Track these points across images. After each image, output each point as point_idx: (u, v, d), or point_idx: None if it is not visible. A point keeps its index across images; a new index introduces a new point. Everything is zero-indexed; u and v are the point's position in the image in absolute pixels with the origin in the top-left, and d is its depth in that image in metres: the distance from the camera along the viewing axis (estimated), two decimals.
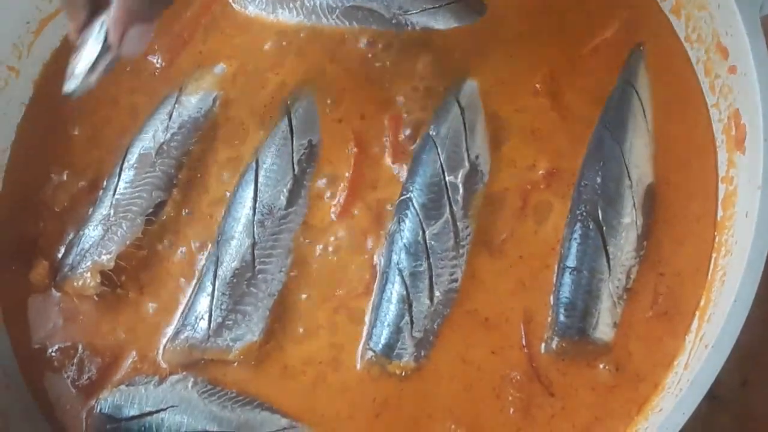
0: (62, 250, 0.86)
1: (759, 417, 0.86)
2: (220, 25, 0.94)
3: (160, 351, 0.81)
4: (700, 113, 0.81)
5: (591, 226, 0.77)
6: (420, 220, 0.79)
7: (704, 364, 0.65)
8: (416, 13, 0.88)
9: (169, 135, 0.87)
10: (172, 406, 0.78)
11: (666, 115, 0.81)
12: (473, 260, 0.79)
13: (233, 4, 0.94)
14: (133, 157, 0.87)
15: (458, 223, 0.79)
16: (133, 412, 0.78)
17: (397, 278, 0.78)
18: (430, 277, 0.78)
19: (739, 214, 0.72)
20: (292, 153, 0.85)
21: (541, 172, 0.81)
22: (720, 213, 0.77)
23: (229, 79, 0.91)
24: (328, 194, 0.84)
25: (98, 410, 0.79)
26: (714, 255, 0.76)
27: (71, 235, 0.87)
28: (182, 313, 0.82)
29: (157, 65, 0.92)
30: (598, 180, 0.78)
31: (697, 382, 0.64)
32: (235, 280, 0.80)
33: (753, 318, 0.84)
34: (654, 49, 0.84)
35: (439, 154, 0.81)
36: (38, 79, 0.94)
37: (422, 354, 0.77)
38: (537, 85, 0.83)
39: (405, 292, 0.78)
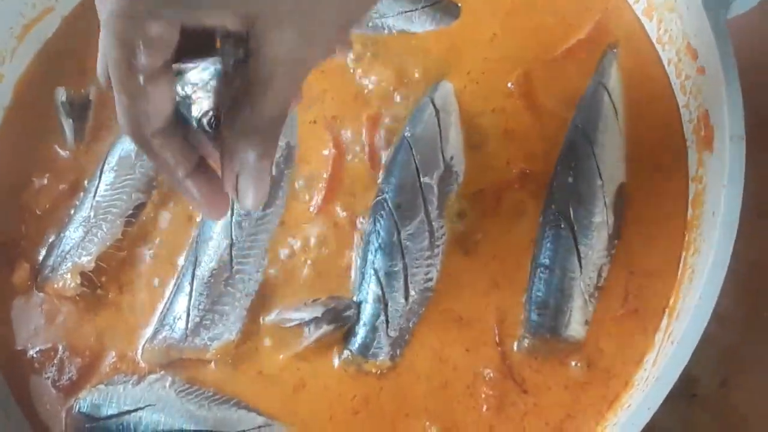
0: (44, 252, 0.87)
1: (739, 416, 0.87)
2: None
3: (139, 351, 0.82)
4: (672, 114, 0.82)
5: (563, 226, 0.78)
6: (395, 220, 0.80)
7: (670, 360, 0.65)
8: (393, 16, 0.89)
9: None
10: (150, 405, 0.78)
11: (638, 116, 0.82)
12: (448, 260, 0.80)
13: None
14: (113, 160, 0.88)
15: (433, 223, 0.80)
16: (111, 411, 0.79)
17: (373, 278, 0.79)
18: (405, 277, 0.79)
19: (707, 213, 0.73)
20: None
21: (515, 172, 0.82)
22: (690, 212, 0.77)
23: None
24: (305, 195, 0.85)
25: (77, 409, 0.80)
26: (684, 254, 0.76)
27: (52, 237, 0.87)
28: (161, 313, 0.83)
29: None
30: (570, 180, 0.79)
31: (663, 378, 0.65)
32: (212, 280, 0.81)
33: (733, 317, 0.85)
34: (627, 51, 0.85)
35: (414, 156, 0.82)
36: (20, 84, 0.95)
37: (398, 353, 0.78)
38: (510, 85, 0.84)
39: (380, 292, 0.79)
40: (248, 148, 0.53)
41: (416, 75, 0.87)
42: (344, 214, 0.83)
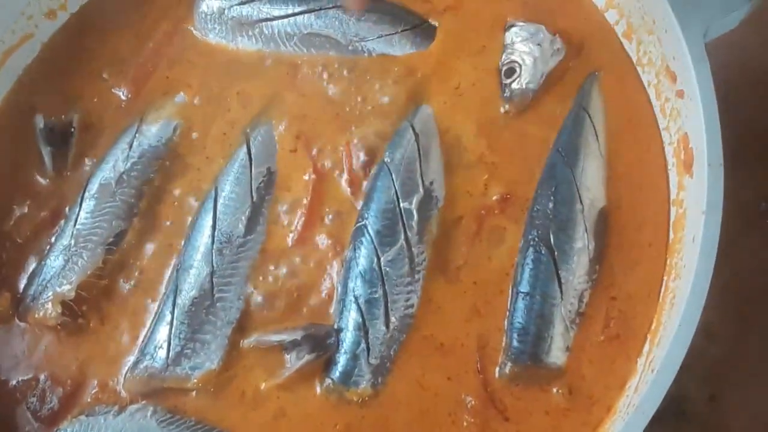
0: (25, 280, 0.87)
1: (727, 430, 0.87)
2: (183, 55, 0.95)
3: (121, 380, 0.81)
4: (652, 136, 0.81)
5: (543, 251, 0.77)
6: (375, 246, 0.80)
7: (649, 389, 0.65)
8: (372, 39, 0.88)
9: (129, 164, 0.88)
10: None
11: (619, 139, 0.82)
12: (429, 286, 0.80)
13: (195, 32, 0.95)
14: (93, 187, 0.88)
15: (413, 249, 0.80)
16: None
17: (353, 305, 0.79)
18: (386, 304, 0.78)
19: (687, 237, 0.73)
20: (251, 181, 0.86)
21: (495, 197, 0.82)
22: (671, 236, 0.77)
23: (190, 107, 0.92)
24: (285, 221, 0.84)
25: None
26: (665, 278, 0.76)
27: (34, 265, 0.87)
28: (142, 342, 0.82)
29: (123, 98, 0.93)
30: (551, 205, 0.79)
31: (642, 407, 0.64)
32: (193, 309, 0.81)
33: (719, 334, 0.85)
34: (608, 73, 0.85)
35: (393, 181, 0.82)
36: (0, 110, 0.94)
37: (379, 380, 0.78)
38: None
39: (361, 319, 0.78)
40: None
41: (396, 99, 0.87)
42: (325, 240, 0.83)
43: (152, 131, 0.90)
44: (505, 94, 0.84)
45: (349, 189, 0.84)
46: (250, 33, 0.92)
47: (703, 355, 0.84)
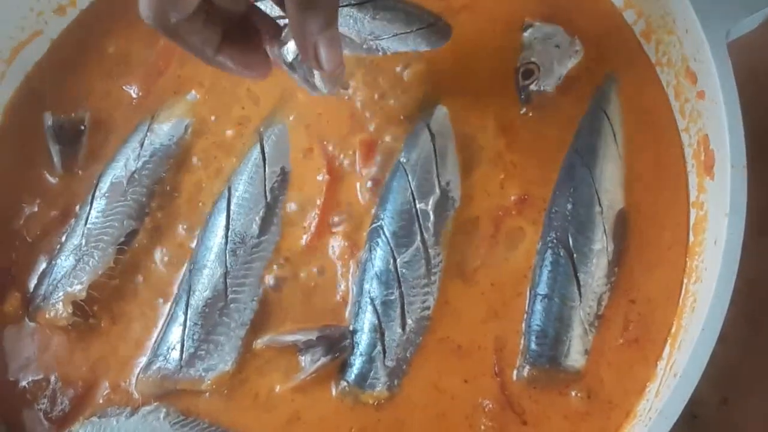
0: (35, 280, 0.86)
1: None
2: None
3: (133, 382, 0.81)
4: (672, 138, 0.81)
5: (561, 253, 0.77)
6: (391, 248, 0.79)
7: (673, 393, 0.64)
8: (387, 38, 0.87)
9: (140, 163, 0.87)
10: None
11: (637, 140, 0.81)
12: (445, 288, 0.79)
13: None
14: (104, 186, 0.87)
15: (429, 251, 0.79)
16: None
17: (369, 307, 0.78)
18: (402, 306, 0.78)
19: (708, 240, 0.72)
20: (265, 180, 0.85)
21: (512, 198, 0.81)
22: (691, 238, 0.76)
23: (202, 106, 0.91)
24: (300, 222, 0.84)
25: None
26: (685, 281, 0.75)
27: (44, 265, 0.86)
28: (155, 343, 0.81)
29: (134, 95, 0.92)
30: (569, 206, 0.78)
31: (665, 412, 0.64)
32: (207, 310, 0.80)
33: (731, 337, 0.84)
34: (626, 74, 0.84)
35: (409, 181, 0.81)
36: (9, 107, 0.94)
37: (395, 383, 0.77)
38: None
39: (377, 321, 0.77)
40: (313, 20, 0.60)
41: (411, 98, 0.86)
42: (339, 241, 0.82)
43: (164, 130, 0.89)
44: (522, 96, 0.83)
45: (363, 189, 0.83)
46: None
47: (714, 359, 0.84)
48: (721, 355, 0.84)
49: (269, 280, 0.82)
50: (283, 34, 0.69)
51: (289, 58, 0.69)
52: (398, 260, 0.79)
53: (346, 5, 0.88)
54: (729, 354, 0.84)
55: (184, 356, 0.79)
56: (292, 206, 0.84)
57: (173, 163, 0.88)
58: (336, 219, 0.83)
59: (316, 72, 0.70)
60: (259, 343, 0.79)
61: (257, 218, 0.83)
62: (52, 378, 0.82)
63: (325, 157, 0.85)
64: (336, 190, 0.84)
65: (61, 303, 0.82)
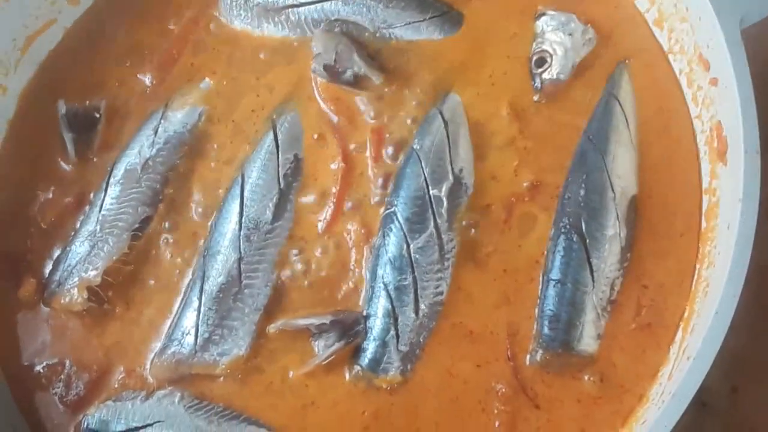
0: (50, 266, 0.86)
1: (749, 424, 0.86)
2: (207, 41, 0.94)
3: (148, 366, 0.81)
4: (684, 125, 0.81)
5: (574, 239, 0.77)
6: (404, 233, 0.79)
7: (686, 376, 0.65)
8: (400, 26, 0.88)
9: (154, 150, 0.88)
10: (159, 421, 0.78)
11: (650, 127, 0.82)
12: (458, 273, 0.79)
13: (220, 18, 0.94)
14: (119, 173, 0.87)
15: (443, 236, 0.80)
16: (119, 428, 0.78)
17: (383, 292, 0.78)
18: (415, 291, 0.78)
19: (721, 226, 0.72)
20: (278, 167, 0.85)
21: (525, 184, 0.81)
22: (704, 224, 0.77)
23: (215, 93, 0.91)
24: (314, 208, 0.84)
25: (85, 426, 0.79)
26: (698, 266, 0.76)
27: (59, 251, 0.87)
28: (169, 328, 0.82)
29: (148, 83, 0.93)
30: (582, 192, 0.78)
31: (679, 394, 0.64)
32: (221, 295, 0.81)
33: (741, 325, 0.84)
34: (638, 61, 0.84)
35: (422, 168, 0.81)
36: (23, 96, 0.94)
37: (408, 368, 0.77)
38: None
39: (390, 306, 0.78)
40: None
41: (424, 86, 0.86)
42: (353, 227, 0.82)
43: (177, 117, 0.90)
44: (535, 84, 0.84)
45: (376, 176, 0.84)
46: (276, 19, 0.92)
47: (725, 348, 0.84)
48: (731, 344, 0.84)
49: (283, 265, 0.82)
50: None
51: None
52: (411, 246, 0.79)
53: None
54: (739, 343, 0.84)
55: (198, 341, 0.80)
56: (306, 194, 0.84)
57: (187, 150, 0.88)
58: (350, 206, 0.83)
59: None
60: (273, 327, 0.80)
61: (271, 204, 0.84)
62: (67, 363, 0.83)
63: (339, 145, 0.85)
64: (350, 177, 0.84)
65: (76, 288, 0.83)
